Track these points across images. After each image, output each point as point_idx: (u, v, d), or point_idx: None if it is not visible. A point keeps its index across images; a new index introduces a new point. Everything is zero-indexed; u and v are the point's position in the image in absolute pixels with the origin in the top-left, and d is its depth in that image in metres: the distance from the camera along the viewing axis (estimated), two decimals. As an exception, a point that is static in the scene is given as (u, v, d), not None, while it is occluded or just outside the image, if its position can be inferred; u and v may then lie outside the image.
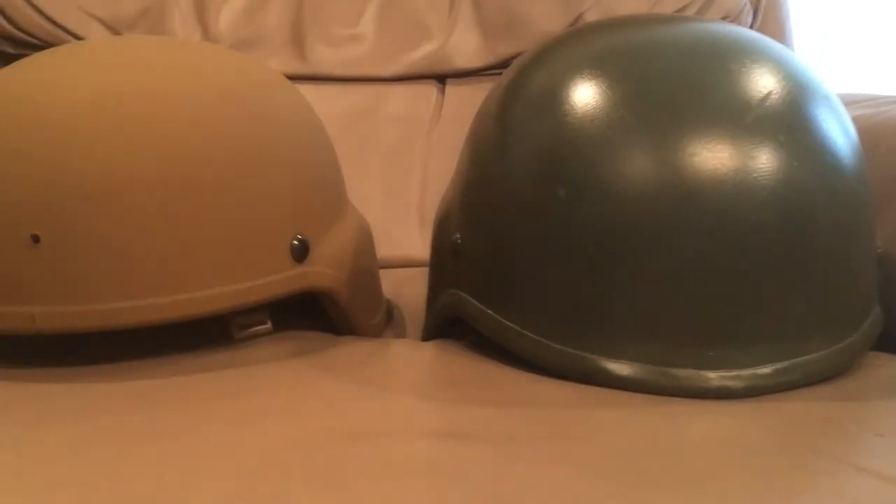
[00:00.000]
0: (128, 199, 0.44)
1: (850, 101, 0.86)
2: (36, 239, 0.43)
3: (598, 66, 0.46)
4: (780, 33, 1.07)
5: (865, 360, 0.47)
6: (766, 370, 0.42)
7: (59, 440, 0.37)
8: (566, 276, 0.44)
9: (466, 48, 1.05)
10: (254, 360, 0.48)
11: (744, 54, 0.46)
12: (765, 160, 0.42)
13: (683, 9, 1.03)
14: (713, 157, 0.42)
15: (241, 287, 0.47)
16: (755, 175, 0.42)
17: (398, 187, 0.96)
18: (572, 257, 0.43)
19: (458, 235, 0.51)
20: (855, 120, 0.71)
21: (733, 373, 0.42)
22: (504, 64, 1.02)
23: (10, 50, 0.99)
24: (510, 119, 0.48)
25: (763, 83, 0.44)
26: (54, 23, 0.97)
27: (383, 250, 0.75)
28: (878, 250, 0.50)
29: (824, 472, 0.34)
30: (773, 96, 0.44)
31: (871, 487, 0.33)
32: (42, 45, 0.96)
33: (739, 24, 1.04)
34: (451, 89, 1.05)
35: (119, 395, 0.43)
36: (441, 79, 1.07)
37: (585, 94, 0.45)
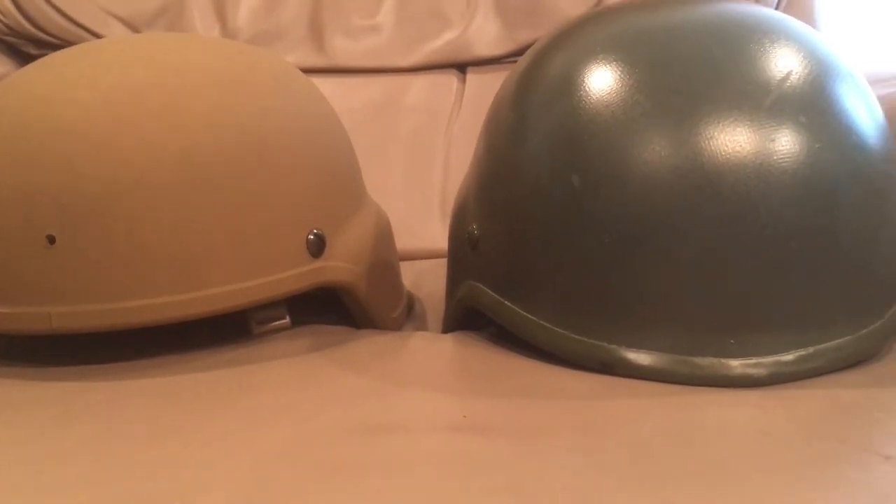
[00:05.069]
0: (141, 197, 0.44)
1: (877, 80, 0.84)
2: (52, 239, 0.43)
3: (613, 51, 0.45)
4: (808, 9, 1.05)
5: (893, 345, 0.46)
6: (789, 357, 0.41)
7: (76, 438, 0.37)
8: (583, 266, 0.43)
9: (487, 36, 1.04)
10: (271, 355, 0.48)
11: (762, 34, 0.44)
12: (786, 142, 0.41)
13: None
14: (732, 140, 0.41)
15: (257, 283, 0.47)
16: (776, 158, 0.41)
17: (419, 178, 0.96)
18: (588, 246, 0.43)
19: (474, 226, 0.50)
20: (882, 99, 0.69)
21: (755, 360, 0.41)
22: (525, 51, 1.01)
23: (33, 51, 1.00)
24: (525, 106, 0.47)
25: (783, 63, 0.43)
26: (74, 22, 0.98)
27: (404, 242, 0.75)
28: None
29: (850, 461, 0.33)
30: (793, 76, 0.43)
31: (899, 477, 0.32)
32: (62, 44, 0.97)
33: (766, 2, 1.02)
34: (472, 78, 1.05)
35: (136, 392, 0.43)
36: (462, 68, 1.06)
37: (600, 80, 0.44)
